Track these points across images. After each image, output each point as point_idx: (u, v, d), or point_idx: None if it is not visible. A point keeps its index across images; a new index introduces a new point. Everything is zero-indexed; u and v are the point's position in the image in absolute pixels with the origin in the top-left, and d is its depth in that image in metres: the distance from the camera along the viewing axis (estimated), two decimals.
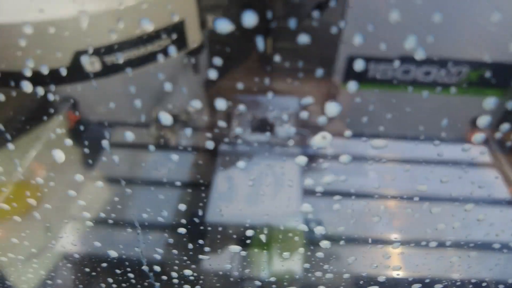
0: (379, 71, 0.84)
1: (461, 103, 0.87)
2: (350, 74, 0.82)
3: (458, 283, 0.61)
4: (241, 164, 0.70)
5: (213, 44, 0.79)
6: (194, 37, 0.49)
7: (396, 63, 0.82)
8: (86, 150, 0.81)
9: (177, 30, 0.46)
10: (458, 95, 0.88)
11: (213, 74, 0.33)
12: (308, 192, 0.65)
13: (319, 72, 0.37)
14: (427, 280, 0.60)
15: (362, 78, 0.85)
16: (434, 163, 0.65)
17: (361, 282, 0.59)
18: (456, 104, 0.85)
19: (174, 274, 0.61)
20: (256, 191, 0.64)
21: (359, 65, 0.89)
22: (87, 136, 0.88)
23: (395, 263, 0.65)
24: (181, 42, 0.49)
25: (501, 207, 0.71)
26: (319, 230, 0.63)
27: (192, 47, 0.50)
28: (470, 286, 0.62)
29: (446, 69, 0.83)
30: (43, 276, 0.66)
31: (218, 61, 0.34)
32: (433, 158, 0.63)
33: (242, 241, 0.62)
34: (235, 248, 0.62)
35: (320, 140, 0.32)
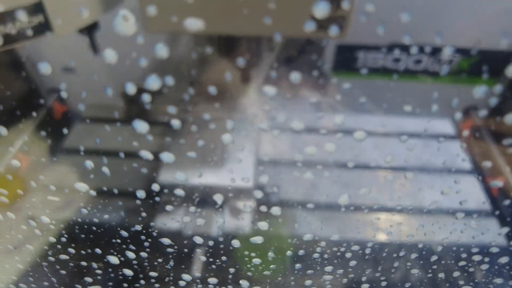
0: (369, 59, 0.82)
1: (452, 92, 0.85)
2: (339, 62, 0.81)
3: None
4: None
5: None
6: (60, 17, 0.46)
7: (386, 51, 0.80)
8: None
9: (36, 11, 0.44)
10: (449, 84, 0.87)
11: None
12: (261, 161, 0.67)
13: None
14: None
15: (352, 66, 0.83)
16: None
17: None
18: (447, 93, 0.84)
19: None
20: (209, 154, 0.65)
21: (348, 53, 0.86)
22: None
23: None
24: (43, 24, 0.46)
25: None
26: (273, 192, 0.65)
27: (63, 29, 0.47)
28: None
29: (437, 57, 0.81)
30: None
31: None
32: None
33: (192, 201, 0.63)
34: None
35: (121, 22, 0.28)
